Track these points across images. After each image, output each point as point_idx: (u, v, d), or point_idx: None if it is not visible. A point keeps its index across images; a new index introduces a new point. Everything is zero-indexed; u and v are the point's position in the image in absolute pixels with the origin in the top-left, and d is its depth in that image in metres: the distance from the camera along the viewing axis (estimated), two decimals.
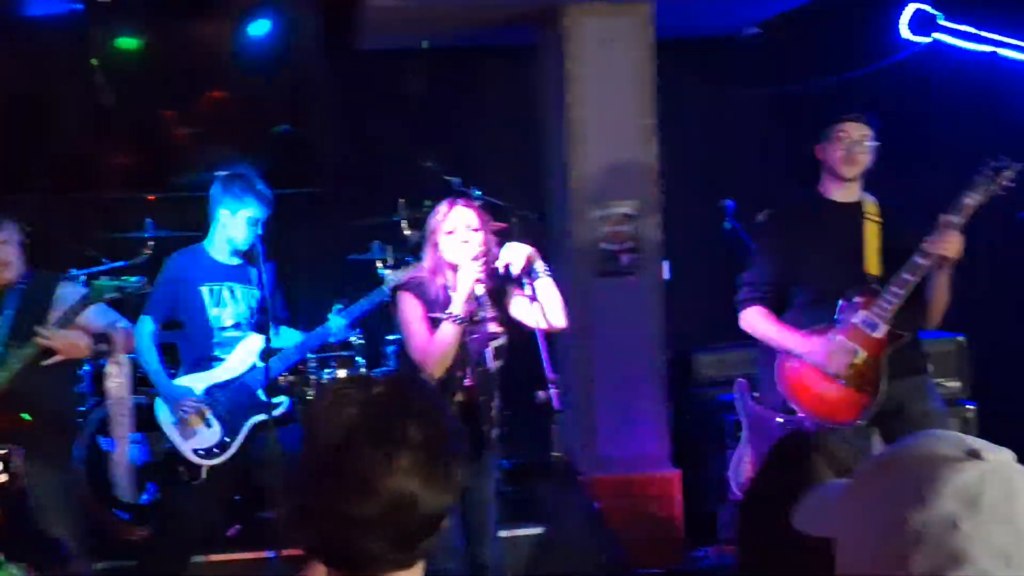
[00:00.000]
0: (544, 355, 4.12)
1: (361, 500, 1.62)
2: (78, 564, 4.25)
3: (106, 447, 5.38)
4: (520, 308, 4.03)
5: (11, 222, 4.28)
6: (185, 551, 4.68)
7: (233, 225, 4.54)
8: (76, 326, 4.17)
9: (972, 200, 4.02)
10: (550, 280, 4.01)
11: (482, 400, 4.01)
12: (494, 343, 4.06)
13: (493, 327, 4.04)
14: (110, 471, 5.26)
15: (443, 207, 3.99)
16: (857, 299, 4.16)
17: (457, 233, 3.91)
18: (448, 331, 3.85)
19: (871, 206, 4.32)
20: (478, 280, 3.87)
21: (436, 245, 3.97)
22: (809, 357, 4.22)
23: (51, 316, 4.19)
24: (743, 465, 5.52)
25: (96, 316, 4.27)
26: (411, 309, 3.96)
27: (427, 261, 4.01)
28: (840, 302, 4.18)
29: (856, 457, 1.78)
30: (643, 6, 5.56)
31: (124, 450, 4.71)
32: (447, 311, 3.85)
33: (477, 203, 4.21)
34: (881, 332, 4.12)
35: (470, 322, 3.93)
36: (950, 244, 4.00)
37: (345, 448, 1.63)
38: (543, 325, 3.91)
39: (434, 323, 3.91)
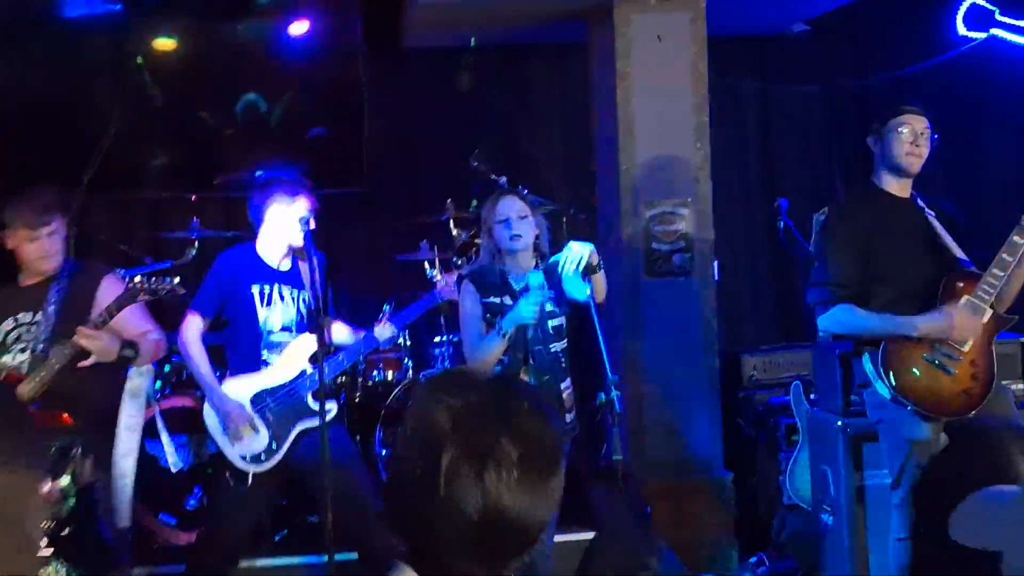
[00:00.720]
0: (605, 356, 4.06)
1: (446, 518, 1.53)
2: (123, 567, 4.19)
3: (151, 451, 5.33)
4: (572, 288, 4.13)
5: (61, 216, 4.21)
6: (231, 556, 4.61)
7: (285, 224, 4.47)
8: (112, 328, 4.09)
9: None
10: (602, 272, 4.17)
11: (546, 380, 4.09)
12: (551, 322, 4.14)
13: (549, 306, 4.12)
14: (151, 476, 5.17)
15: (493, 197, 4.22)
16: (959, 284, 4.00)
17: (509, 221, 4.10)
18: (495, 342, 4.03)
19: (920, 203, 4.18)
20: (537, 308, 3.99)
21: (491, 233, 4.17)
22: (934, 332, 3.97)
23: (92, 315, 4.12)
24: (800, 469, 5.43)
25: (132, 319, 4.19)
26: (470, 304, 4.16)
27: (484, 249, 4.23)
28: (941, 291, 3.99)
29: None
30: (697, 1, 5.46)
31: (128, 469, 4.53)
32: (499, 327, 4.00)
33: (524, 194, 4.36)
34: (986, 316, 3.96)
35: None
36: None
37: (434, 462, 1.55)
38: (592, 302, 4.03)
39: (488, 308, 4.11)
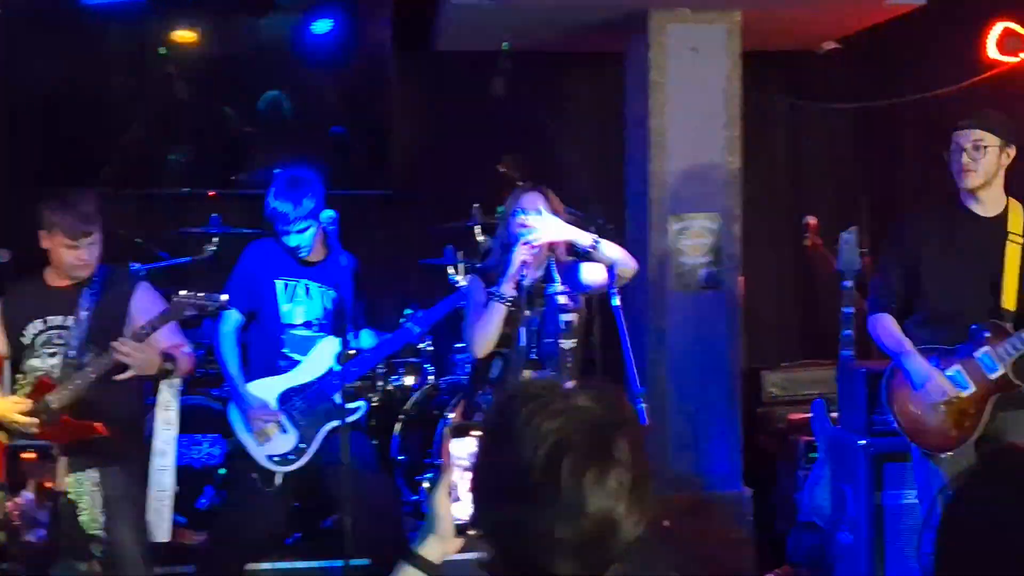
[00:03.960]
0: (630, 368, 4.04)
1: (567, 521, 1.51)
2: (140, 568, 4.14)
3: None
4: (590, 273, 4.20)
5: (100, 224, 4.11)
6: (244, 558, 4.59)
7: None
8: (151, 341, 4.05)
9: None
10: (605, 242, 4.16)
11: (551, 377, 4.06)
12: (564, 316, 4.14)
13: (562, 300, 4.13)
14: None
15: (521, 189, 4.32)
16: (986, 333, 4.00)
17: (526, 212, 4.16)
18: (494, 311, 4.08)
19: (1016, 218, 4.08)
20: (526, 261, 4.04)
21: (507, 223, 4.26)
22: (915, 379, 4.08)
23: (127, 326, 4.07)
24: (819, 487, 5.41)
25: (165, 333, 4.13)
26: (475, 293, 4.26)
27: (496, 242, 4.34)
28: (970, 333, 4.02)
29: None
30: (734, 15, 5.44)
31: (168, 483, 4.49)
32: (493, 290, 4.08)
33: (550, 193, 4.37)
34: (997, 375, 3.98)
35: (529, 301, 4.10)
36: None
37: (555, 463, 1.52)
38: (610, 279, 3.99)
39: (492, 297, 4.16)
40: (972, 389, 4.01)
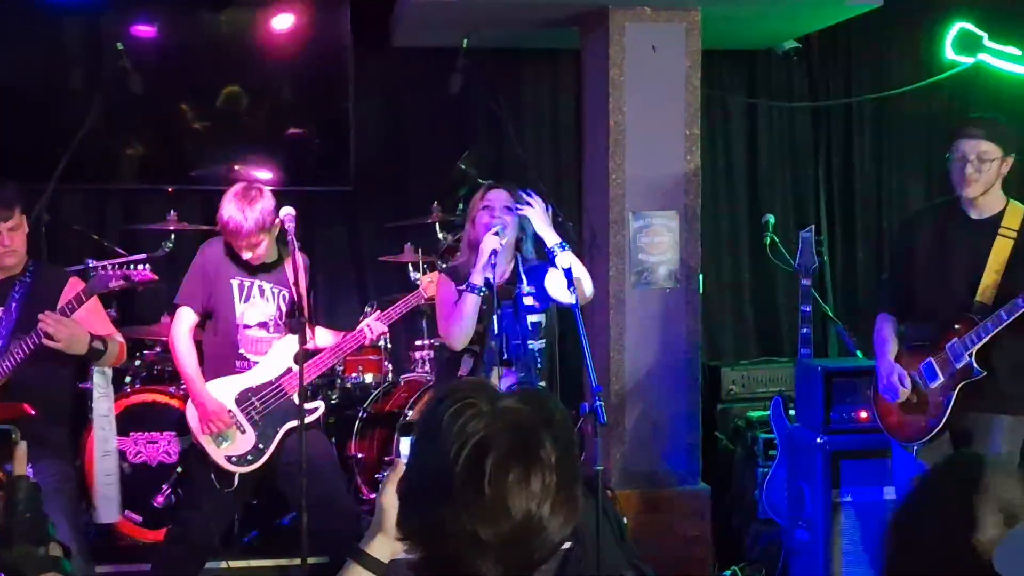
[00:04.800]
0: (589, 366, 4.04)
1: (490, 520, 1.49)
2: (77, 562, 4.09)
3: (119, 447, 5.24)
4: (552, 283, 4.19)
5: (21, 211, 4.06)
6: (201, 556, 4.53)
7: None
8: (77, 322, 4.00)
9: None
10: (569, 254, 4.16)
11: (521, 377, 4.12)
12: (531, 317, 4.19)
13: (529, 301, 4.19)
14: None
15: (484, 187, 4.29)
16: (956, 326, 4.06)
17: (491, 210, 4.17)
18: (467, 301, 4.08)
19: (1014, 216, 4.09)
20: (495, 251, 4.05)
21: (473, 222, 4.23)
22: (878, 375, 4.28)
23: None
24: (777, 484, 5.44)
25: (96, 321, 4.10)
26: (444, 291, 4.24)
27: (466, 238, 4.29)
28: (943, 326, 4.11)
29: None
30: (692, 13, 5.45)
31: (112, 466, 4.45)
32: (466, 283, 4.08)
33: (514, 188, 4.38)
34: (962, 363, 4.03)
35: (497, 295, 4.08)
36: None
37: (478, 463, 1.50)
38: (570, 298, 4.05)
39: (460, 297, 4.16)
40: (940, 380, 4.09)
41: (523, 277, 4.23)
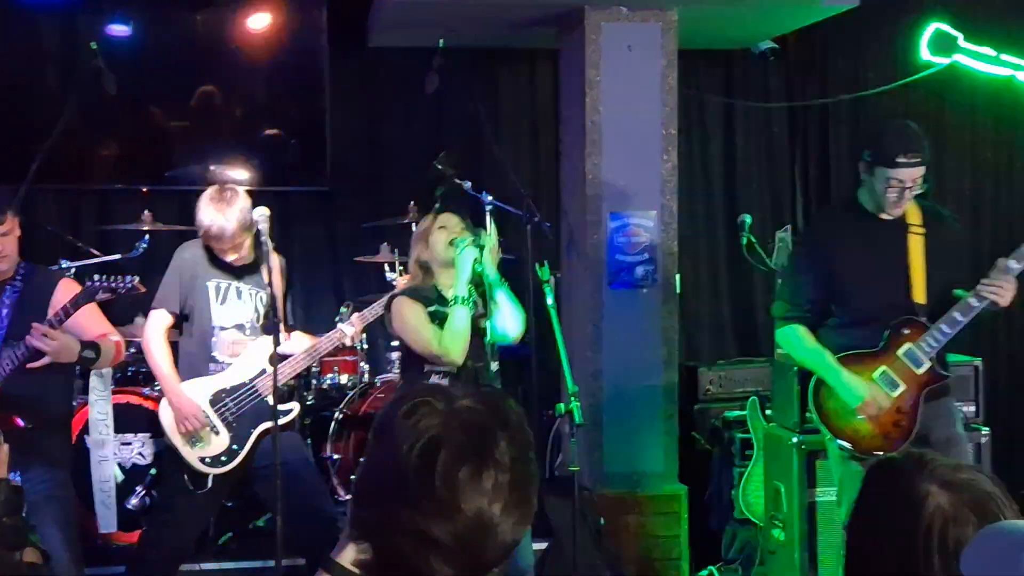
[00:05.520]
0: (565, 367, 4.04)
1: (441, 517, 1.48)
2: (61, 569, 4.06)
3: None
4: (505, 322, 4.19)
5: (13, 215, 4.04)
6: (176, 558, 4.51)
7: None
8: (69, 329, 3.97)
9: None
10: (505, 289, 4.20)
11: None
12: (487, 340, 4.17)
13: (484, 324, 4.17)
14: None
15: (434, 213, 4.31)
16: (905, 331, 4.01)
17: (449, 230, 4.16)
18: (459, 315, 4.04)
19: (914, 214, 4.09)
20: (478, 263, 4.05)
21: (427, 243, 4.20)
22: (847, 395, 4.04)
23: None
24: (752, 484, 5.45)
25: (89, 322, 4.06)
26: (414, 312, 4.13)
27: (418, 261, 4.25)
28: (887, 332, 4.02)
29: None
30: (669, 13, 5.45)
31: (109, 472, 4.41)
32: (453, 296, 4.03)
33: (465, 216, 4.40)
34: (924, 369, 3.99)
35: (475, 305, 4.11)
36: (1006, 292, 3.86)
37: (429, 461, 1.49)
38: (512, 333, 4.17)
39: (433, 317, 4.10)
40: (902, 387, 4.03)
41: (478, 302, 4.21)
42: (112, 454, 4.32)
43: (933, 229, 4.09)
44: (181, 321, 4.42)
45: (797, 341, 4.15)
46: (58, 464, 4.11)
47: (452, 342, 4.03)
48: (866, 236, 4.12)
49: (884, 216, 4.09)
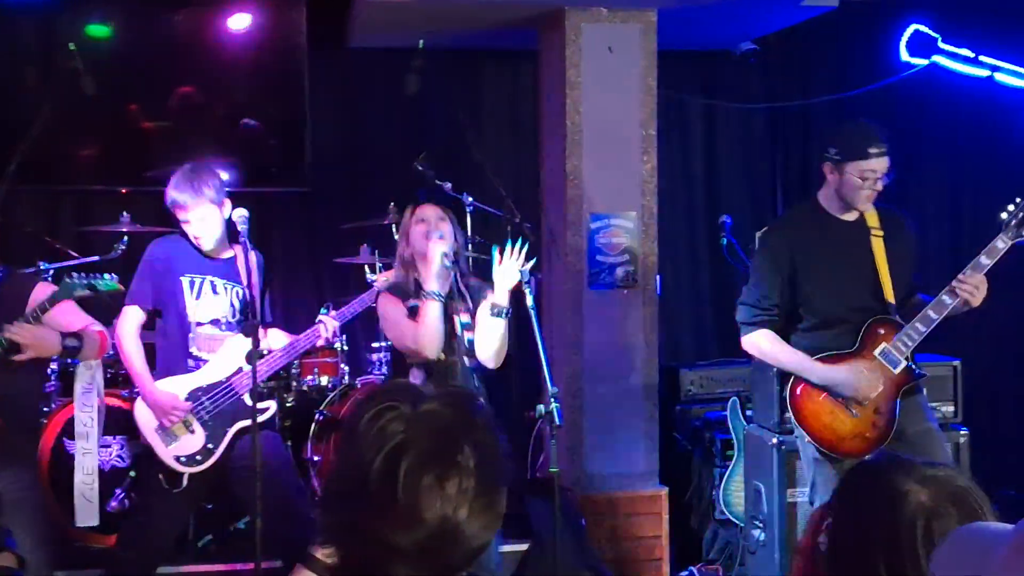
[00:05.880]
0: (545, 368, 4.03)
1: (404, 526, 1.48)
2: (39, 569, 4.04)
3: (72, 450, 5.17)
4: (480, 317, 4.14)
5: None
6: (154, 561, 4.48)
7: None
8: (46, 325, 3.95)
9: (1004, 244, 3.90)
10: (505, 322, 4.07)
11: None
12: (467, 335, 4.16)
13: (465, 318, 4.16)
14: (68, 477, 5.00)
15: (412, 206, 4.26)
16: (880, 331, 4.02)
17: (428, 223, 4.14)
18: (430, 309, 3.99)
19: (872, 216, 4.12)
20: (445, 253, 4.02)
21: (407, 238, 4.20)
22: (835, 386, 4.03)
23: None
24: (733, 484, 5.46)
25: (65, 316, 4.04)
26: (393, 308, 4.15)
27: (401, 257, 4.24)
28: (861, 332, 4.02)
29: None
30: (648, 14, 5.46)
31: (92, 465, 4.38)
32: (423, 292, 4.01)
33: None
34: (900, 368, 4.00)
35: (449, 299, 4.10)
36: (978, 289, 3.89)
37: (393, 466, 1.49)
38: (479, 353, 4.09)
39: (411, 312, 4.09)
40: (880, 388, 4.02)
41: (464, 294, 4.19)
42: (96, 447, 4.30)
43: (891, 231, 4.12)
44: (154, 317, 4.39)
45: (767, 344, 4.14)
46: (27, 464, 4.09)
47: (424, 337, 4.00)
48: (829, 238, 4.12)
49: (845, 218, 4.11)
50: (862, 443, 4.03)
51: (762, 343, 4.15)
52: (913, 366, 4.04)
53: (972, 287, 3.88)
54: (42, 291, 4.07)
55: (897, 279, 4.07)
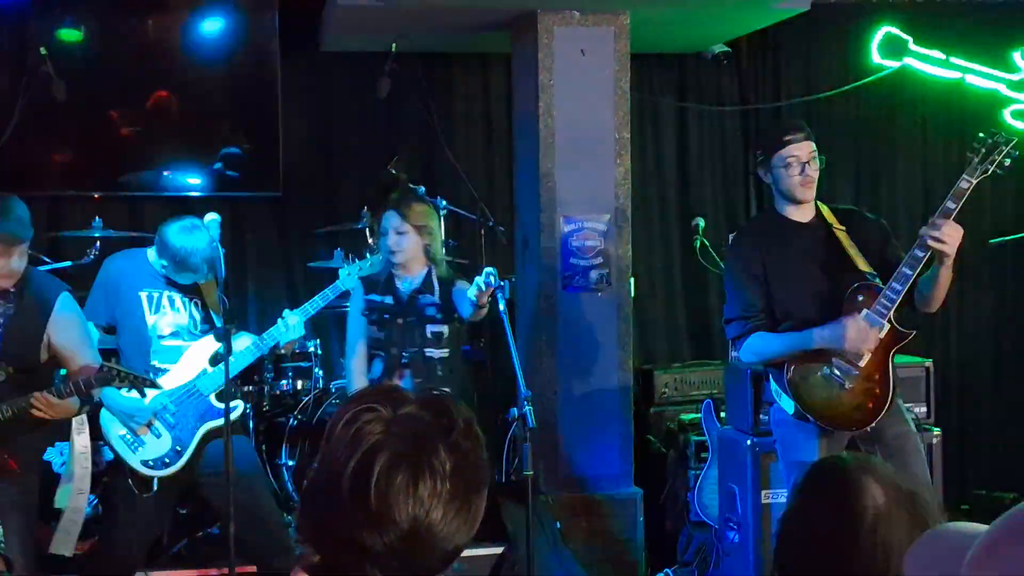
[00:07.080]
0: (518, 371, 4.04)
1: (378, 528, 1.48)
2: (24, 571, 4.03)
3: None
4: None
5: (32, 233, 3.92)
6: (128, 567, 4.47)
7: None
8: (56, 351, 3.95)
9: (968, 183, 3.76)
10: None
11: (417, 383, 4.33)
12: (431, 327, 4.41)
13: (432, 311, 4.43)
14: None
15: (380, 209, 4.66)
16: (859, 297, 3.95)
17: (388, 235, 4.47)
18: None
19: (828, 214, 4.11)
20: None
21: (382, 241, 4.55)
22: (830, 342, 3.94)
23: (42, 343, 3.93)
24: (708, 486, 5.47)
25: (83, 352, 4.03)
26: (354, 300, 4.62)
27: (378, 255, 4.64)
28: (844, 300, 3.95)
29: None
30: (620, 16, 5.46)
31: (82, 506, 4.39)
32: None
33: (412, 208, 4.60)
34: (884, 331, 3.91)
35: (403, 309, 4.44)
36: (949, 236, 3.72)
37: (366, 471, 1.49)
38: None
39: (369, 305, 4.51)
40: (867, 356, 3.95)
41: (436, 287, 4.46)
42: (88, 488, 4.33)
43: (852, 225, 4.11)
44: (109, 333, 4.40)
45: (763, 342, 4.08)
46: (30, 468, 4.07)
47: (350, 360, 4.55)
48: (795, 244, 4.11)
49: (803, 220, 4.11)
50: (862, 414, 3.98)
51: (759, 344, 4.10)
52: (897, 326, 3.94)
53: (941, 235, 3.72)
54: (65, 317, 4.01)
55: (883, 264, 4.00)
